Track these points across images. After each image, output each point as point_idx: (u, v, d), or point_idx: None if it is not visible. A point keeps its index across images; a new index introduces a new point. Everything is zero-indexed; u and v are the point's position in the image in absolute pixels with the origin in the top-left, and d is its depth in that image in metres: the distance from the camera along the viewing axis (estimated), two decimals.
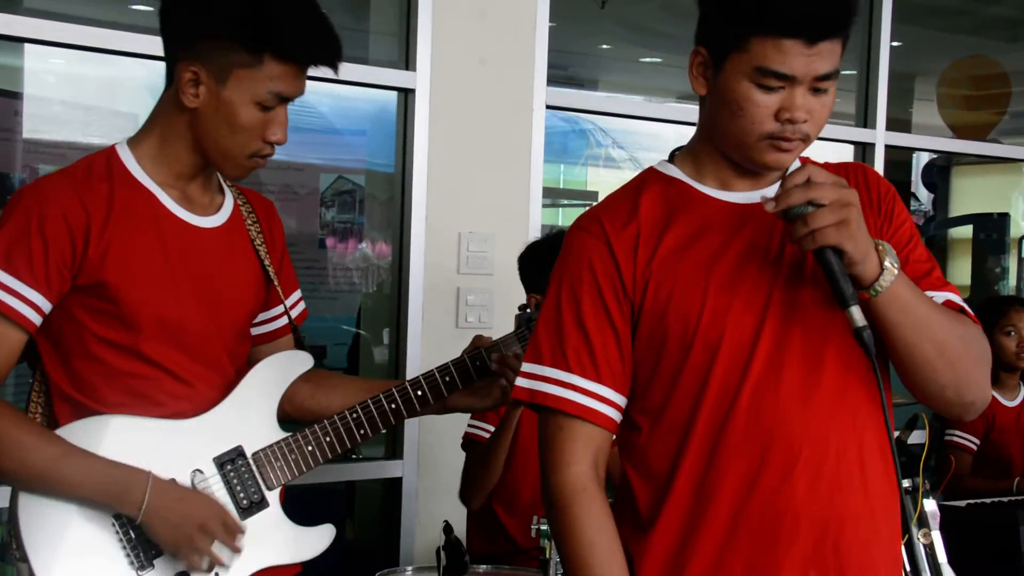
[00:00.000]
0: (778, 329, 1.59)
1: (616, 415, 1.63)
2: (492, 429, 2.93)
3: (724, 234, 1.61)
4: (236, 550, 1.86)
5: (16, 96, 3.89)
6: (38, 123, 4.00)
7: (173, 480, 1.85)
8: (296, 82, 1.86)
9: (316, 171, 4.09)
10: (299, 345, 2.10)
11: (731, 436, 1.58)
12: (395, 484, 3.55)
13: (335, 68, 1.89)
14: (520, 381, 1.65)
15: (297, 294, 2.12)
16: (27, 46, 3.51)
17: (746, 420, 1.58)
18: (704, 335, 1.58)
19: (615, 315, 1.61)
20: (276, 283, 2.03)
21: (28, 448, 1.76)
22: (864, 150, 4.57)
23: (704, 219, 1.62)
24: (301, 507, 2.06)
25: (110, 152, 1.89)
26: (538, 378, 1.63)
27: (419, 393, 2.03)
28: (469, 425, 2.94)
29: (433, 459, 3.54)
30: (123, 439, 1.81)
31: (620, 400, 1.63)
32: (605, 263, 1.61)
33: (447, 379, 2.05)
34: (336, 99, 3.93)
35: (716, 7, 1.61)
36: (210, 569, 1.85)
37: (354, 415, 1.99)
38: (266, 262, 2.00)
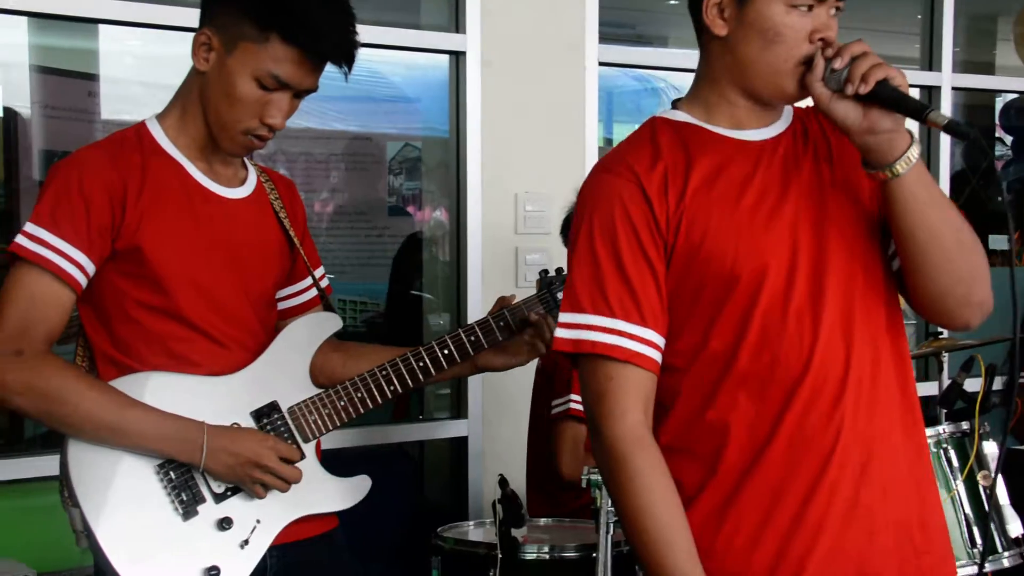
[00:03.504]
0: (812, 258, 1.61)
1: (660, 358, 1.62)
2: None
3: (745, 170, 1.63)
4: (296, 477, 1.93)
5: (93, 78, 4.01)
6: (116, 104, 4.11)
7: (225, 426, 1.92)
8: (298, 71, 1.87)
9: (383, 139, 4.13)
10: (328, 307, 2.16)
11: (777, 368, 1.58)
12: (461, 443, 3.61)
13: (344, 66, 1.89)
14: (561, 332, 1.63)
15: (321, 270, 2.17)
16: (101, 27, 3.62)
17: (791, 350, 1.58)
18: (745, 270, 1.59)
19: (652, 256, 1.59)
20: (303, 254, 2.09)
21: (93, 400, 1.84)
22: (930, 93, 4.45)
23: (723, 157, 1.63)
24: (374, 465, 2.12)
25: (140, 126, 1.96)
26: (581, 327, 1.60)
27: (446, 352, 2.07)
28: (573, 401, 2.95)
29: (497, 419, 3.59)
30: (162, 395, 1.89)
31: (662, 343, 1.62)
32: (638, 204, 1.59)
33: (472, 338, 2.09)
34: (402, 66, 3.96)
35: None
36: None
37: (383, 372, 2.05)
38: (291, 234, 2.06)
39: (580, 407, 2.96)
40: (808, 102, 1.68)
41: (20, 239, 1.83)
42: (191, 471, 1.90)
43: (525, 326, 2.14)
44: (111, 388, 1.88)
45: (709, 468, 1.61)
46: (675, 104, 1.72)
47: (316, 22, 1.85)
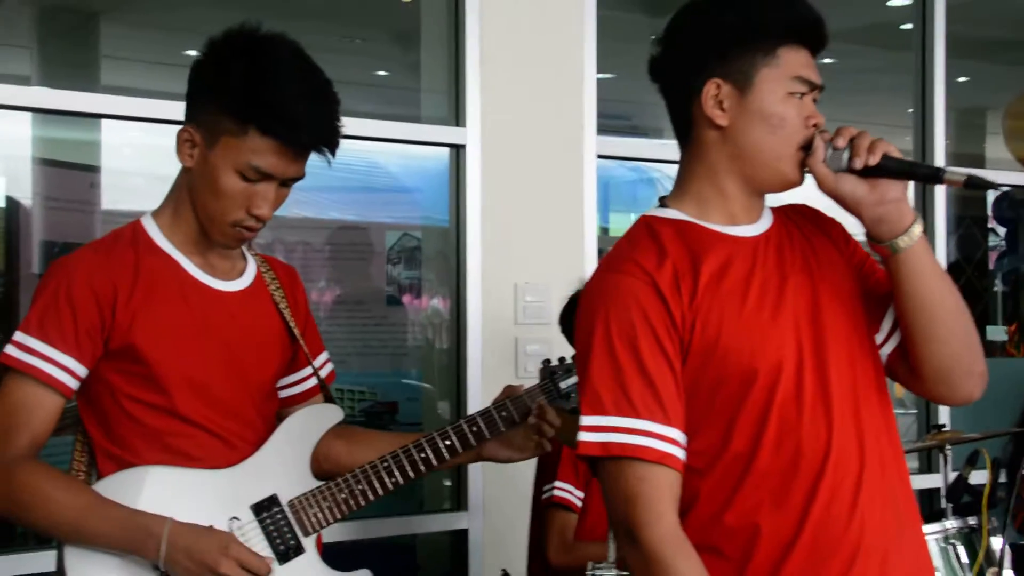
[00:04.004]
0: (813, 351, 1.62)
1: (684, 457, 1.59)
2: (581, 495, 2.93)
3: (746, 266, 1.64)
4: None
5: (94, 170, 4.05)
6: (116, 194, 4.15)
7: (193, 524, 1.89)
8: (280, 161, 1.88)
9: (382, 229, 4.16)
10: (328, 398, 2.16)
11: (800, 462, 1.58)
12: (461, 536, 3.56)
13: (325, 153, 1.91)
14: (586, 436, 1.58)
15: (324, 355, 2.17)
16: (103, 121, 3.67)
17: (810, 443, 1.58)
18: (762, 365, 1.59)
19: (671, 354, 1.58)
20: (303, 344, 2.09)
21: (60, 504, 1.84)
22: (924, 187, 4.51)
23: (725, 254, 1.64)
24: (366, 561, 2.09)
25: (135, 224, 1.98)
26: (606, 429, 1.57)
27: (448, 443, 2.07)
28: (557, 488, 2.93)
29: (498, 511, 3.55)
30: (161, 489, 1.88)
31: (684, 441, 1.60)
32: (653, 303, 1.58)
33: (475, 429, 2.09)
34: (401, 156, 4.01)
35: (732, 32, 1.64)
36: None
37: (385, 464, 2.04)
38: (291, 324, 2.06)
39: (564, 494, 2.96)
40: (777, 200, 1.73)
41: (8, 348, 1.86)
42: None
43: (527, 416, 2.12)
44: (82, 490, 1.88)
45: (736, 569, 1.59)
46: (663, 202, 1.73)
47: (293, 113, 1.86)
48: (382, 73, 4.98)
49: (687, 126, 1.68)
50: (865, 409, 1.63)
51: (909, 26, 4.63)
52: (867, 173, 1.59)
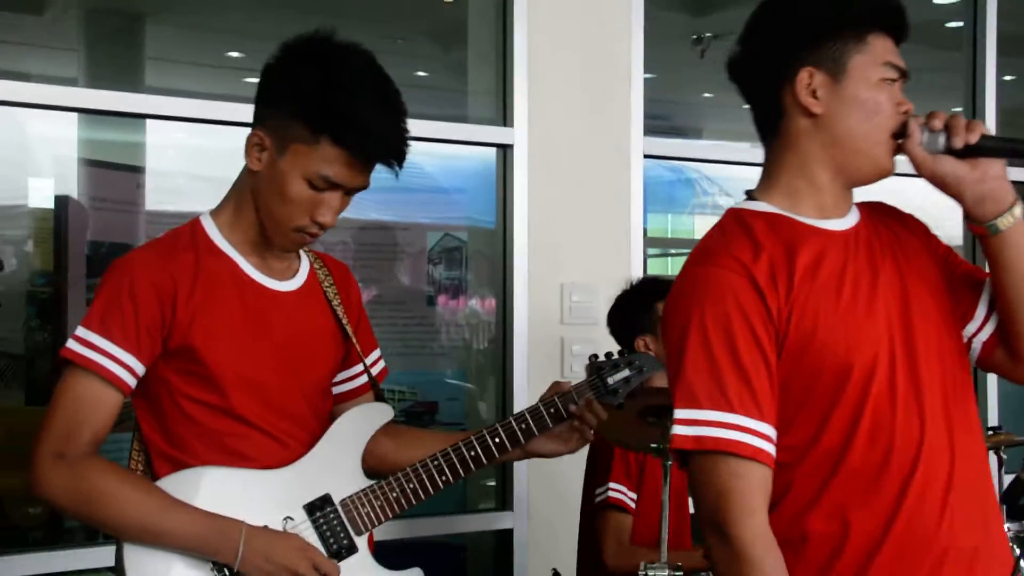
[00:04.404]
0: (904, 346, 1.62)
1: (774, 452, 1.59)
2: (634, 496, 2.93)
3: (839, 260, 1.64)
4: None
5: (138, 170, 4.09)
6: (160, 195, 4.19)
7: (265, 526, 1.91)
8: (349, 172, 1.88)
9: (422, 229, 4.17)
10: (379, 399, 2.16)
11: (891, 459, 1.57)
12: (506, 535, 3.57)
13: (394, 167, 1.91)
14: (680, 429, 1.58)
15: (376, 353, 2.18)
16: (148, 122, 3.70)
17: (903, 440, 1.58)
18: (857, 360, 1.58)
19: (766, 348, 1.58)
20: (355, 342, 2.10)
21: (133, 502, 1.85)
22: None
23: (819, 247, 1.64)
24: (416, 559, 2.10)
25: (194, 223, 1.99)
26: (701, 423, 1.56)
27: (497, 440, 2.08)
28: (611, 490, 2.93)
29: (542, 511, 3.55)
30: (217, 489, 1.89)
31: (776, 437, 1.59)
32: (750, 296, 1.58)
33: (523, 426, 2.09)
34: (439, 157, 4.02)
35: (823, 20, 1.65)
36: None
37: (435, 462, 2.04)
38: (344, 321, 2.07)
39: (618, 496, 2.95)
40: (862, 194, 1.72)
41: (70, 343, 1.87)
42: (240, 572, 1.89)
43: (582, 414, 2.12)
44: (153, 488, 1.88)
45: (824, 565, 1.58)
46: (750, 195, 1.72)
47: (367, 124, 1.85)
48: (422, 73, 5.00)
49: (776, 118, 1.68)
50: (953, 403, 1.63)
51: (957, 24, 4.59)
52: (966, 153, 1.59)
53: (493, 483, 3.70)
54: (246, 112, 3.29)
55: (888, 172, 1.67)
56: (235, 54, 5.52)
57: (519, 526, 3.56)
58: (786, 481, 1.60)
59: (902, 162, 1.67)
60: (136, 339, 1.86)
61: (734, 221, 1.68)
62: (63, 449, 1.83)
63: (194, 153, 4.33)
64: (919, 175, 1.64)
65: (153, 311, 1.87)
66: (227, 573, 1.88)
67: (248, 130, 1.96)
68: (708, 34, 5.05)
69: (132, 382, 1.88)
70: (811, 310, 1.59)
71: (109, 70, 4.69)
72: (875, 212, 1.74)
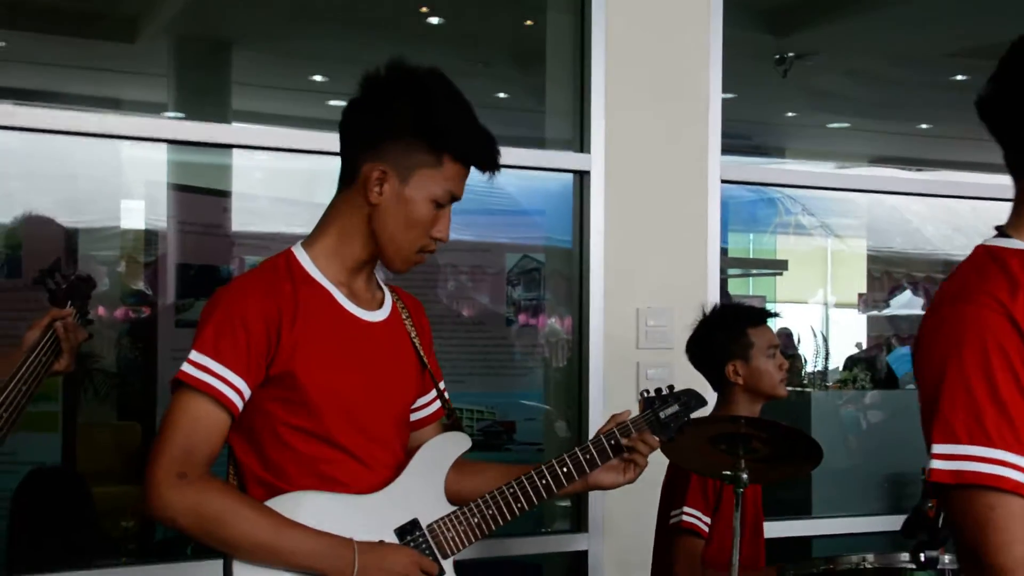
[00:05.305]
0: None
1: None
2: (708, 520, 2.95)
3: None
4: None
5: (225, 195, 4.20)
6: (245, 217, 4.30)
7: (373, 542, 1.98)
8: (464, 183, 2.04)
9: (502, 250, 4.22)
10: (457, 425, 2.24)
11: None
12: (581, 557, 3.58)
13: (496, 172, 2.03)
14: (938, 464, 1.60)
15: (442, 384, 2.26)
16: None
17: None
18: None
19: None
20: (430, 371, 2.18)
21: (252, 522, 1.91)
22: None
23: None
24: None
25: (287, 255, 2.06)
26: (959, 457, 1.59)
27: (564, 470, 2.15)
28: (686, 514, 2.94)
29: (616, 531, 3.56)
30: (315, 513, 1.96)
31: None
32: (1009, 334, 1.60)
33: (587, 457, 2.17)
34: (519, 178, 4.07)
35: None
36: None
37: (511, 490, 2.12)
38: (420, 352, 2.15)
39: (692, 520, 2.95)
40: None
41: (186, 367, 1.93)
42: None
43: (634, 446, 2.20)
44: (267, 509, 1.94)
45: None
46: (1001, 231, 1.74)
47: (480, 138, 2.00)
48: (502, 95, 5.05)
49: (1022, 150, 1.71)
50: None
51: None
52: None
53: (567, 504, 3.72)
54: (329, 141, 3.38)
55: None
56: (318, 78, 5.65)
57: (594, 547, 3.57)
58: None
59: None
60: (247, 364, 1.93)
61: (987, 259, 1.70)
62: (184, 469, 1.89)
63: (277, 176, 4.44)
64: None
65: (261, 338, 1.94)
66: None
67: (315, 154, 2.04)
68: (791, 54, 5.03)
69: (241, 406, 1.94)
70: None
71: (196, 95, 4.83)
72: None
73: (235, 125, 3.57)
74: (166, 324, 3.93)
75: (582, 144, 3.59)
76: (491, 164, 2.02)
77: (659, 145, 3.63)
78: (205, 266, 4.13)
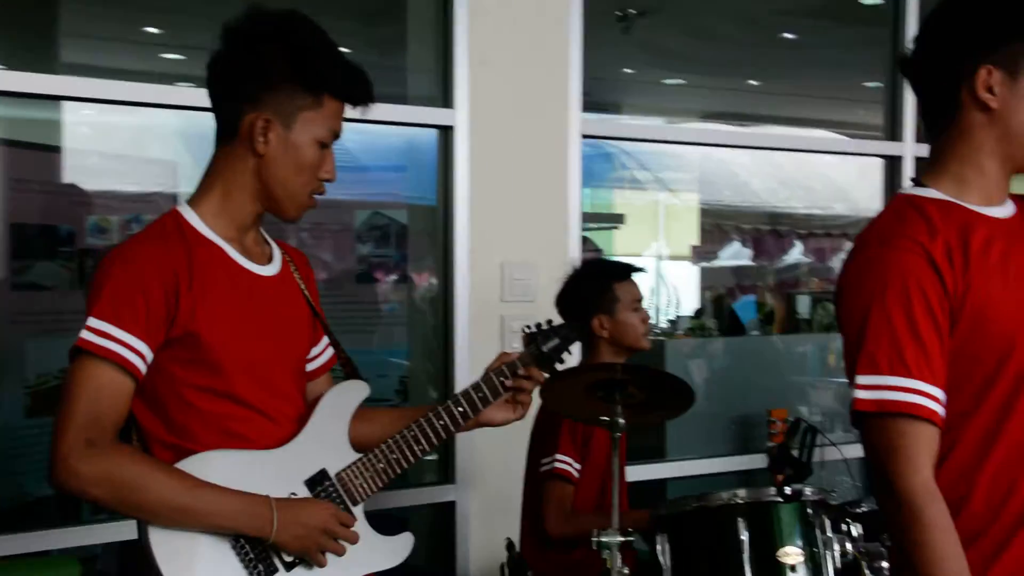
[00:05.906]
0: None
1: (944, 414, 1.73)
2: (578, 467, 3.03)
3: (1003, 245, 1.80)
4: (355, 539, 2.04)
5: (55, 150, 4.01)
6: (76, 174, 4.11)
7: (288, 497, 2.00)
8: (341, 120, 2.05)
9: (351, 207, 4.18)
10: (354, 373, 2.25)
11: None
12: (448, 508, 3.63)
13: (370, 105, 2.06)
14: (861, 394, 1.74)
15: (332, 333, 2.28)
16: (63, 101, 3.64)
17: None
18: (1019, 338, 1.74)
19: (941, 322, 1.73)
20: (322, 320, 2.20)
21: (166, 486, 1.88)
22: (892, 163, 4.64)
23: (987, 232, 1.80)
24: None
25: (175, 215, 2.02)
26: (880, 387, 1.72)
27: (460, 409, 2.20)
28: (558, 460, 3.03)
29: (483, 482, 3.62)
30: (225, 472, 1.94)
31: (945, 400, 1.74)
32: (928, 274, 1.73)
33: (480, 395, 2.22)
34: (358, 134, 4.03)
35: (1002, 23, 1.79)
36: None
37: (411, 432, 2.16)
38: (312, 303, 2.17)
39: (564, 467, 3.04)
40: None
41: (85, 334, 1.87)
42: (263, 545, 1.95)
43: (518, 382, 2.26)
44: (180, 471, 1.91)
45: (981, 528, 1.73)
46: (917, 181, 1.87)
47: (352, 74, 2.01)
48: (349, 50, 4.97)
49: (951, 112, 1.83)
50: None
51: (875, 1, 4.74)
52: None
53: (434, 457, 3.75)
54: (162, 93, 3.23)
55: None
56: (152, 30, 5.42)
57: (461, 498, 3.62)
58: (950, 444, 1.75)
59: None
60: (146, 328, 1.89)
61: (907, 205, 1.83)
62: (92, 437, 1.84)
63: (108, 131, 4.26)
64: None
65: (159, 301, 1.90)
66: (246, 546, 1.95)
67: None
68: (632, 11, 5.12)
69: (144, 369, 1.90)
70: (983, 289, 1.74)
71: (22, 47, 4.58)
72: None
73: (63, 77, 3.39)
74: (2, 287, 3.75)
75: (445, 99, 3.59)
76: (368, 98, 2.05)
77: (522, 101, 3.67)
78: (43, 226, 3.94)
